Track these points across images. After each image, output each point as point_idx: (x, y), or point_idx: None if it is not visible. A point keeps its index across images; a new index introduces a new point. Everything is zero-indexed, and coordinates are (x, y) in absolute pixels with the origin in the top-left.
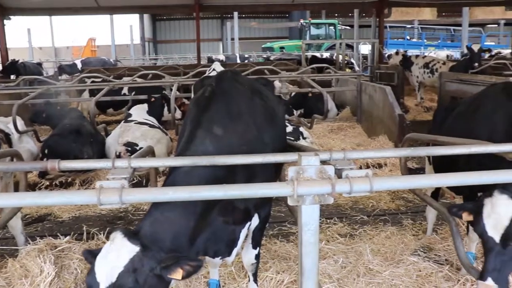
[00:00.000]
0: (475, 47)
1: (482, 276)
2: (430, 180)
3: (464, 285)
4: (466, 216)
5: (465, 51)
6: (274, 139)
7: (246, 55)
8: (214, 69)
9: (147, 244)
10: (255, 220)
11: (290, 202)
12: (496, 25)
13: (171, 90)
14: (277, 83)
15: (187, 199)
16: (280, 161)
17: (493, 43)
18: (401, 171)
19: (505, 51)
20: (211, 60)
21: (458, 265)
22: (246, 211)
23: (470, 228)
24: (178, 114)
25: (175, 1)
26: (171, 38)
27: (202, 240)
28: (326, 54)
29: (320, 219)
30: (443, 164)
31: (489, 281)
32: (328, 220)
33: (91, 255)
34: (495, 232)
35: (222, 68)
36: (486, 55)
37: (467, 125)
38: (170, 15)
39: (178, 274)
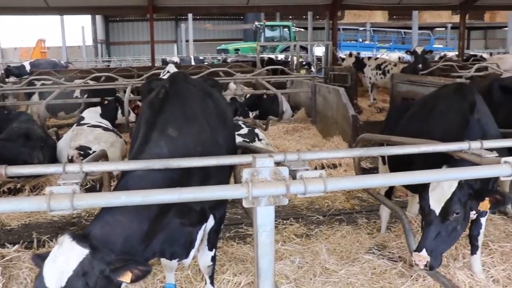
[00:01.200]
0: (419, 50)
1: (417, 248)
2: (382, 180)
3: (416, 280)
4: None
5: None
6: (227, 140)
7: (201, 57)
8: (168, 71)
9: (97, 247)
10: (211, 221)
11: (245, 204)
12: (444, 28)
13: (124, 92)
14: (232, 85)
15: (141, 203)
16: (235, 163)
17: (441, 46)
18: (355, 171)
19: (450, 54)
20: (165, 62)
21: (411, 261)
22: (202, 212)
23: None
24: (132, 117)
25: (129, 2)
26: (125, 39)
27: (158, 242)
28: (280, 56)
29: (276, 220)
30: (399, 164)
31: (423, 252)
32: (285, 221)
33: (40, 259)
34: (437, 205)
35: (176, 70)
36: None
37: (422, 125)
38: (124, 16)
39: (127, 277)
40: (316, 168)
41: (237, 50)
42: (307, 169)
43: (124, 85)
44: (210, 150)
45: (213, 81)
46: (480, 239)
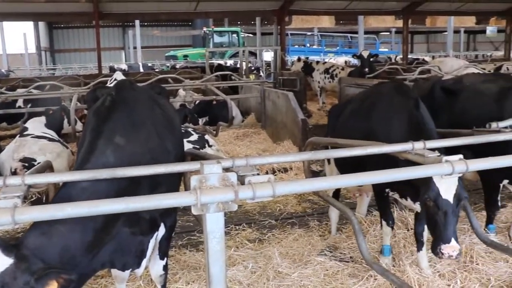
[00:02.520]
0: (365, 54)
1: (446, 239)
2: (329, 182)
3: (368, 280)
4: None
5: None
6: (175, 147)
7: (150, 64)
8: (115, 79)
9: (25, 256)
10: (162, 230)
11: (194, 211)
12: (389, 33)
13: (70, 101)
14: (181, 92)
15: (88, 214)
16: (184, 170)
17: (386, 49)
18: (305, 174)
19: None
20: (113, 70)
21: (362, 261)
22: (152, 220)
23: (383, 222)
24: (79, 126)
25: (73, 8)
26: (70, 47)
27: (107, 252)
28: (229, 62)
29: (229, 226)
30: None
31: (453, 242)
32: (237, 227)
33: None
34: (449, 193)
35: (124, 78)
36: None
37: (365, 124)
38: (68, 23)
39: (52, 286)
40: (267, 173)
41: (186, 56)
42: (256, 174)
43: (70, 93)
44: (158, 157)
45: (160, 88)
46: (425, 235)
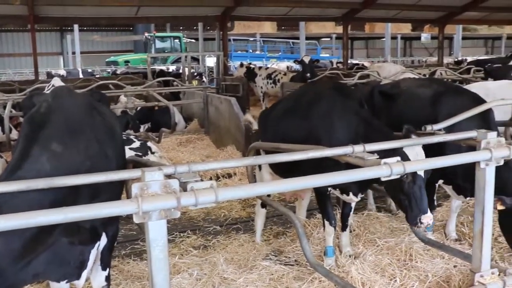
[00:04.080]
0: (306, 59)
1: (423, 210)
2: (272, 187)
3: (312, 282)
4: None
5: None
6: (116, 154)
7: (90, 70)
8: (53, 85)
9: None
10: (103, 239)
11: (136, 220)
12: (329, 39)
13: (4, 108)
14: (122, 98)
15: (23, 226)
16: (124, 178)
17: (327, 55)
18: (248, 180)
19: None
20: (50, 76)
21: (307, 264)
22: (93, 230)
23: (326, 222)
24: (14, 134)
25: (6, 11)
26: (4, 51)
27: (41, 262)
28: (172, 67)
29: (173, 234)
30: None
31: (429, 212)
32: (182, 234)
33: None
34: (421, 170)
35: (62, 84)
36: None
37: (302, 123)
38: (2, 26)
39: None
40: (211, 179)
41: (127, 62)
42: (198, 181)
43: (4, 100)
44: (99, 165)
45: (100, 94)
46: (350, 219)
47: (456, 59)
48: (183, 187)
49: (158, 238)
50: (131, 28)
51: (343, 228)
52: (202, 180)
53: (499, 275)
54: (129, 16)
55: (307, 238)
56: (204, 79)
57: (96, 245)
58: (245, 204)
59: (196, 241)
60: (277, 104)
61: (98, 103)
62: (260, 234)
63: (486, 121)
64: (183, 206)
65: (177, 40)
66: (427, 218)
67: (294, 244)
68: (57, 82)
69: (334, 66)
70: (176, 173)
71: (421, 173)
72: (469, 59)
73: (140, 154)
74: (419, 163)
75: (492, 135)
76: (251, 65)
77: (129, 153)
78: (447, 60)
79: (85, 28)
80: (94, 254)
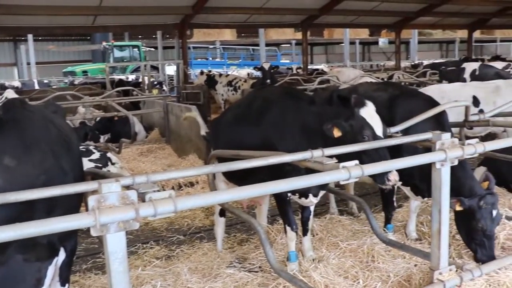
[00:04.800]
0: (266, 66)
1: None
2: (232, 195)
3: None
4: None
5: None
6: (73, 167)
7: (46, 81)
8: (6, 98)
9: None
10: (62, 254)
11: (93, 233)
12: (289, 45)
13: None
14: (81, 109)
15: None
16: (81, 191)
17: (287, 61)
18: (210, 188)
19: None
20: (3, 88)
21: (271, 270)
22: (51, 246)
23: (288, 228)
24: None
25: None
26: None
27: None
28: (131, 77)
29: (136, 245)
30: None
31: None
32: (145, 245)
33: None
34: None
35: (15, 96)
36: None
37: (255, 130)
38: None
39: None
40: (173, 188)
41: (85, 72)
42: (157, 191)
43: None
44: (54, 178)
45: (56, 106)
46: (310, 223)
47: (412, 63)
48: (142, 197)
49: (117, 251)
50: (88, 38)
51: (305, 233)
52: (161, 190)
53: (456, 271)
54: (86, 25)
55: (270, 244)
56: (164, 87)
57: (54, 260)
58: (208, 212)
59: (159, 251)
60: (228, 111)
61: (53, 115)
62: (221, 242)
63: (440, 122)
64: (142, 217)
65: (136, 49)
66: (394, 176)
67: (258, 251)
68: (10, 94)
69: (294, 72)
70: (134, 184)
71: (380, 134)
72: (425, 62)
73: (100, 165)
74: (378, 166)
75: (446, 136)
76: (211, 73)
77: (88, 165)
78: (404, 64)
79: (40, 38)
80: (52, 270)
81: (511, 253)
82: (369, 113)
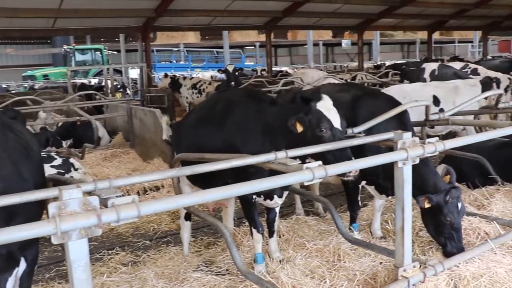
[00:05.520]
0: (230, 68)
1: None
2: (196, 198)
3: None
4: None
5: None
6: (33, 174)
7: (4, 85)
8: None
9: None
10: (22, 264)
11: (54, 241)
12: (253, 47)
13: None
14: (41, 114)
15: None
16: (41, 198)
17: (252, 63)
18: (175, 191)
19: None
20: None
21: (238, 273)
22: (10, 255)
23: (254, 230)
24: None
25: None
26: None
27: None
28: (94, 81)
29: (101, 251)
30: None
31: None
32: (110, 251)
33: None
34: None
35: None
36: None
37: (218, 132)
38: None
39: None
40: (138, 193)
41: (46, 76)
42: (120, 196)
43: None
44: (13, 186)
45: (14, 112)
46: (276, 224)
47: (375, 64)
48: (104, 203)
49: (79, 258)
50: (49, 41)
51: (271, 234)
52: (125, 195)
53: (420, 267)
54: (46, 28)
55: (236, 246)
56: (128, 91)
57: (15, 271)
58: (174, 216)
59: (125, 257)
60: (190, 115)
61: (12, 121)
62: (187, 247)
63: (403, 122)
64: (105, 223)
65: (98, 52)
66: (354, 171)
67: (225, 253)
68: None
69: (259, 74)
70: (96, 190)
71: (338, 126)
72: (387, 63)
73: (62, 171)
74: (341, 166)
75: (407, 135)
76: (175, 76)
77: (50, 171)
78: (367, 64)
79: None
80: (13, 281)
81: (471, 248)
82: (325, 106)
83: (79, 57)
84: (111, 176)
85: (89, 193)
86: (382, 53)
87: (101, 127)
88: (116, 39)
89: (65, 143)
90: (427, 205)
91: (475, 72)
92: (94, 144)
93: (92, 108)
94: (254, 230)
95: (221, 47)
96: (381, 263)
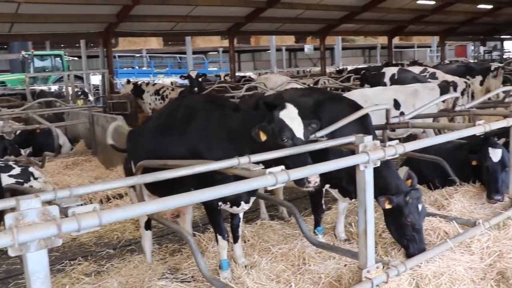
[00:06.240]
0: (193, 74)
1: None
2: (156, 205)
3: None
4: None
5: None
6: None
7: None
8: None
9: None
10: None
11: (11, 253)
12: (216, 52)
13: None
14: None
15: None
16: None
17: (215, 69)
18: (138, 199)
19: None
20: None
21: (204, 280)
22: None
23: (219, 237)
24: None
25: None
26: None
27: None
28: (54, 87)
29: (63, 262)
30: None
31: None
32: (72, 262)
33: None
34: (300, 134)
35: None
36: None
37: (180, 141)
38: None
39: None
40: (101, 201)
41: (2, 83)
42: (81, 205)
43: None
44: None
45: None
46: (240, 230)
47: (337, 68)
48: (64, 212)
49: (38, 270)
50: (5, 46)
51: (235, 240)
52: (87, 204)
53: (383, 268)
54: (2, 33)
55: (201, 253)
56: (90, 98)
57: None
58: (138, 224)
59: (88, 267)
60: (148, 121)
61: None
62: (150, 255)
63: (364, 126)
64: (65, 233)
65: (58, 58)
66: (314, 177)
67: (190, 260)
68: None
69: (223, 79)
70: (56, 199)
71: (300, 136)
72: (349, 68)
73: (21, 181)
74: (304, 170)
75: (368, 139)
76: (138, 82)
77: (8, 181)
78: (329, 69)
79: None
80: None
81: (432, 248)
82: (288, 115)
83: (38, 63)
84: (73, 184)
85: (49, 203)
86: (344, 58)
87: (62, 134)
88: (77, 45)
89: (24, 152)
90: (387, 206)
91: (433, 76)
92: (54, 152)
93: (52, 116)
94: (219, 237)
95: (184, 53)
96: (345, 265)
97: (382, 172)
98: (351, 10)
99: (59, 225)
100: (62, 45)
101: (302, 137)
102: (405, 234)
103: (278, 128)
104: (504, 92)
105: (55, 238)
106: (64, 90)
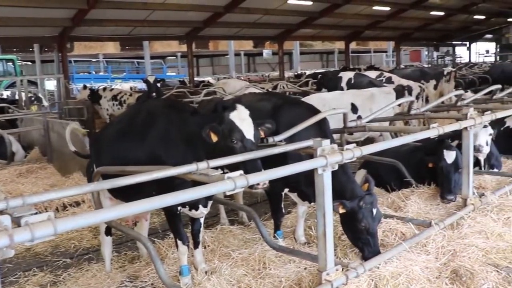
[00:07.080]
0: (151, 79)
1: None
2: (115, 212)
3: None
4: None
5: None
6: None
7: None
8: None
9: None
10: None
11: None
12: (175, 57)
13: None
14: None
15: None
16: None
17: (174, 73)
18: (95, 206)
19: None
20: None
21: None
22: None
23: (179, 242)
24: None
25: None
26: None
27: None
28: (6, 93)
29: (16, 274)
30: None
31: None
32: (27, 273)
33: None
34: (250, 133)
35: None
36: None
37: (140, 146)
38: None
39: None
40: (57, 209)
41: None
42: (35, 213)
43: None
44: None
45: None
46: (201, 235)
47: (296, 73)
48: (17, 222)
49: None
50: None
51: (196, 245)
52: (42, 212)
53: (343, 270)
54: None
55: (161, 259)
56: (44, 103)
57: None
58: (96, 232)
59: (44, 278)
60: (109, 126)
61: None
62: (109, 263)
63: (322, 129)
64: (18, 243)
65: (10, 63)
66: (262, 185)
67: (150, 267)
68: None
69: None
70: (8, 208)
71: (250, 137)
72: (308, 72)
73: None
74: (263, 175)
75: (326, 142)
76: (94, 87)
77: None
78: (288, 74)
79: None
80: None
81: (389, 249)
82: (239, 116)
83: None
84: (27, 193)
85: (1, 212)
86: (302, 62)
87: (15, 141)
88: (31, 49)
89: None
90: (341, 211)
91: (389, 81)
92: (7, 160)
93: (4, 122)
94: (179, 242)
95: (142, 58)
96: (305, 268)
97: (339, 177)
98: (308, 15)
99: (11, 235)
100: (15, 49)
101: (252, 138)
102: (360, 238)
103: (228, 129)
104: (456, 96)
105: (6, 249)
106: (17, 96)
